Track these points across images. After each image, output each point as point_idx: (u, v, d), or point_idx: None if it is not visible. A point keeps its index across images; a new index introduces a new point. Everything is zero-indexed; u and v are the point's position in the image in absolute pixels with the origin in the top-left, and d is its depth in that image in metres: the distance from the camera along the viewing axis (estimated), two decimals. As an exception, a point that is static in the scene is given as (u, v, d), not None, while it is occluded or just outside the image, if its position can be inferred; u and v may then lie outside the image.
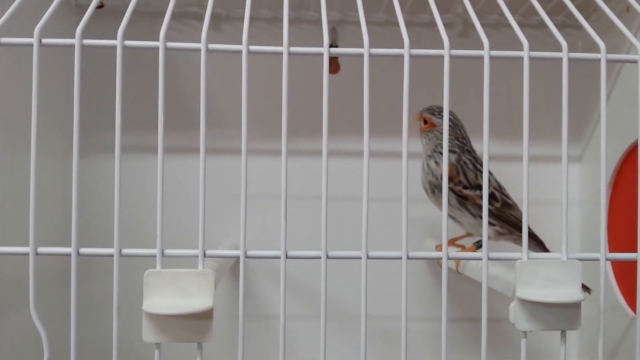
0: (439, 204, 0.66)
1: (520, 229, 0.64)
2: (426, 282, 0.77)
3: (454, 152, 0.65)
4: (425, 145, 0.67)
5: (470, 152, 0.66)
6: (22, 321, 0.54)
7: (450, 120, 0.66)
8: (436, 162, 0.65)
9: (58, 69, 0.65)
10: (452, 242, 0.70)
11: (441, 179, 0.63)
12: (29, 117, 0.41)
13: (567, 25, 0.75)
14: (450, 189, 0.63)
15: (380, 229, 0.61)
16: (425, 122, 0.66)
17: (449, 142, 0.65)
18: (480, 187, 0.64)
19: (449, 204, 0.63)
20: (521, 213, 0.65)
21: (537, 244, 0.65)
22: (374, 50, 0.42)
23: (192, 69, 0.74)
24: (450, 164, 0.64)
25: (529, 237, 0.45)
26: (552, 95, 0.67)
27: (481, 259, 0.43)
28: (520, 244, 0.65)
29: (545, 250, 0.66)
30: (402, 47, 0.43)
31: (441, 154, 0.65)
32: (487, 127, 0.43)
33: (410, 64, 0.42)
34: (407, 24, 0.45)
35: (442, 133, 0.66)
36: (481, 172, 0.64)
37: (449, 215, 0.64)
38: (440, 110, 0.65)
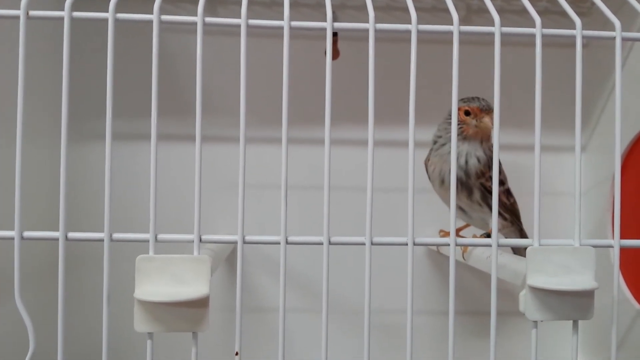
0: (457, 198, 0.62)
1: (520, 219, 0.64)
2: (426, 275, 0.75)
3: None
4: (464, 137, 0.61)
5: None
6: (7, 311, 0.52)
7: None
8: (478, 159, 0.60)
9: (46, 51, 0.62)
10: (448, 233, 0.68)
11: (476, 176, 0.60)
12: (15, 101, 0.38)
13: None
14: (481, 184, 0.60)
15: (379, 219, 0.59)
16: (468, 113, 0.60)
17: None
18: (502, 183, 0.62)
19: (470, 199, 0.61)
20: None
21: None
22: (380, 26, 0.40)
23: (187, 54, 0.72)
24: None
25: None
26: (552, 85, 0.65)
27: (490, 245, 0.41)
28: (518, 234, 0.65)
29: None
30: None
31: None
32: (497, 110, 0.41)
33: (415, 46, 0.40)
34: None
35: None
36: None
37: (460, 208, 0.62)
38: (480, 99, 0.60)
